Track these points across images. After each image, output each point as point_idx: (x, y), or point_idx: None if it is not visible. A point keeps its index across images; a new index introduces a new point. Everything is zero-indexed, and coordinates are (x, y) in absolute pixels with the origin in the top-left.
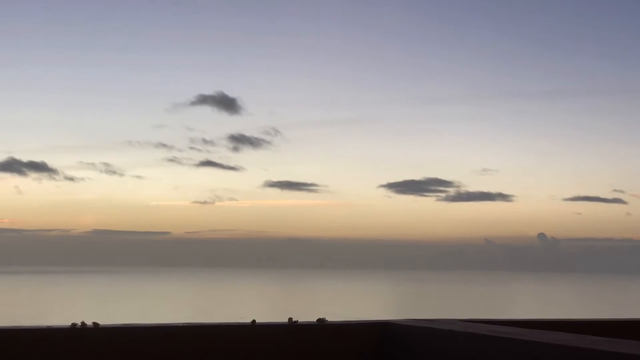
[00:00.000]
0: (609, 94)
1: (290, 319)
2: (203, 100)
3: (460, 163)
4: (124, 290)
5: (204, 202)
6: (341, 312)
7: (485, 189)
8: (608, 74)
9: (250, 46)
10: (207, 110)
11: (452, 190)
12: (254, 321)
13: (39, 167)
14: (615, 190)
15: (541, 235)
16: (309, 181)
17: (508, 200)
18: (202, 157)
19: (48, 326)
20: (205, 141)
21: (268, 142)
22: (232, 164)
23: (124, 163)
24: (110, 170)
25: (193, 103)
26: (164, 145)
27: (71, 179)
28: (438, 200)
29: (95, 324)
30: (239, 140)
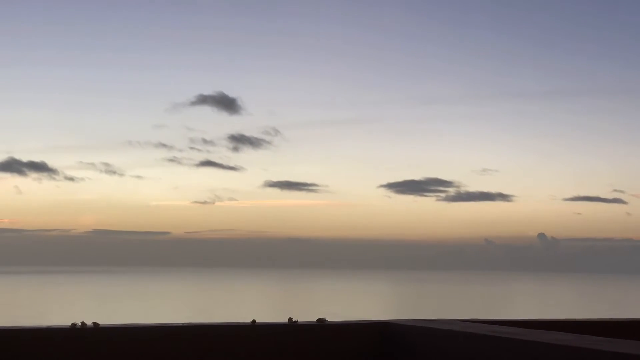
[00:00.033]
0: (608, 94)
1: (290, 319)
2: (203, 100)
3: (460, 163)
4: (124, 290)
5: (204, 202)
6: (341, 312)
7: (485, 189)
8: (608, 74)
9: (250, 46)
10: (207, 110)
11: (452, 190)
12: (254, 321)
13: (39, 167)
14: (615, 190)
15: (541, 235)
16: (309, 181)
17: (508, 200)
18: (202, 157)
19: (48, 326)
20: (205, 141)
21: (268, 142)
22: (232, 164)
23: (124, 163)
24: (110, 170)
25: (193, 103)
26: (163, 145)
27: (71, 179)
28: (438, 200)
29: (95, 324)
30: (239, 140)
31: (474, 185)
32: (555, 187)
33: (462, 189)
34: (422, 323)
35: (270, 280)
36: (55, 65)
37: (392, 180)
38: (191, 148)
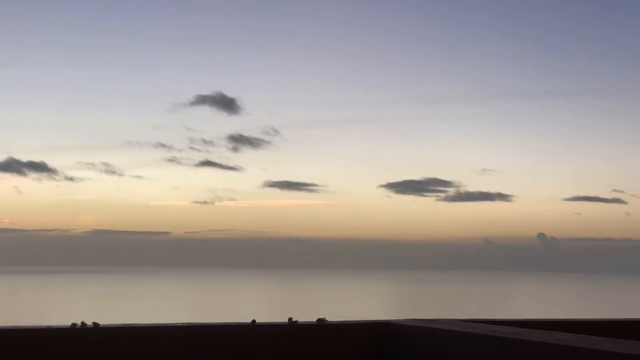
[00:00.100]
0: (608, 94)
1: (290, 319)
2: (202, 100)
3: (460, 163)
4: (124, 290)
5: (204, 202)
6: (341, 312)
7: (484, 189)
8: (608, 74)
9: (250, 46)
10: (207, 111)
11: (451, 190)
12: (254, 321)
13: (39, 167)
14: (614, 190)
15: (541, 235)
16: (308, 181)
17: (508, 200)
18: (202, 157)
19: (48, 326)
20: (204, 141)
21: (267, 142)
22: (231, 164)
23: (123, 163)
24: (110, 170)
25: (192, 103)
26: (163, 146)
27: (71, 179)
28: (438, 200)
29: (95, 324)
30: (239, 141)
31: (473, 185)
32: (555, 187)
33: (462, 189)
34: (422, 323)
35: (270, 280)
36: (55, 65)
37: (391, 180)
38: (191, 148)
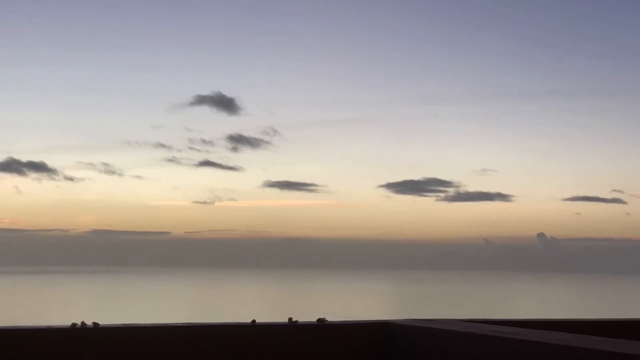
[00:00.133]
0: (608, 94)
1: (290, 319)
2: (202, 100)
3: (460, 163)
4: (124, 290)
5: (204, 202)
6: (341, 312)
7: (484, 189)
8: (607, 74)
9: (249, 46)
10: (206, 111)
11: (451, 190)
12: (254, 321)
13: (39, 167)
14: (614, 190)
15: (541, 235)
16: (308, 181)
17: (507, 200)
18: (202, 157)
19: (48, 326)
20: (204, 141)
21: (267, 142)
22: (231, 164)
23: (123, 163)
24: (109, 170)
25: (192, 103)
26: (163, 146)
27: (71, 179)
28: (437, 200)
29: (95, 324)
30: (238, 141)
31: (473, 185)
32: (555, 187)
33: (462, 189)
34: (422, 323)
35: (270, 280)
36: (55, 65)
37: (391, 180)
38: (190, 148)
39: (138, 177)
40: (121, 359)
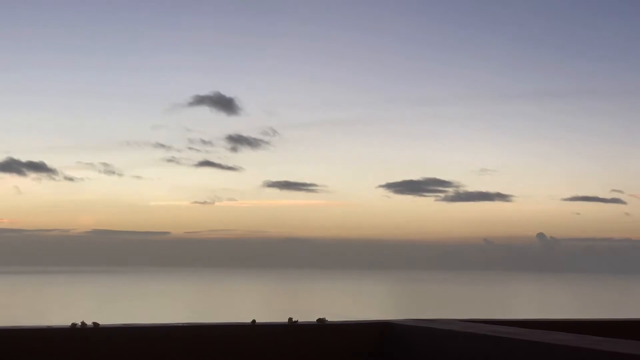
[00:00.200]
0: (608, 95)
1: (290, 319)
2: (201, 100)
3: (459, 163)
4: (124, 290)
5: (204, 202)
6: (341, 312)
7: (484, 189)
8: (607, 75)
9: (248, 46)
10: (205, 111)
11: (451, 191)
12: (254, 321)
13: (38, 167)
14: (613, 190)
15: (540, 235)
16: (308, 181)
17: (507, 201)
18: (201, 157)
19: (48, 326)
20: (203, 141)
21: (267, 143)
22: (230, 164)
23: (122, 163)
24: (109, 170)
25: (191, 104)
26: (162, 146)
27: (70, 179)
28: (437, 200)
29: (95, 324)
30: (237, 141)
31: (473, 185)
32: (554, 187)
33: (461, 189)
34: (422, 323)
35: (270, 280)
36: (54, 66)
37: (391, 181)
38: (190, 148)
39: (138, 177)
40: (121, 359)
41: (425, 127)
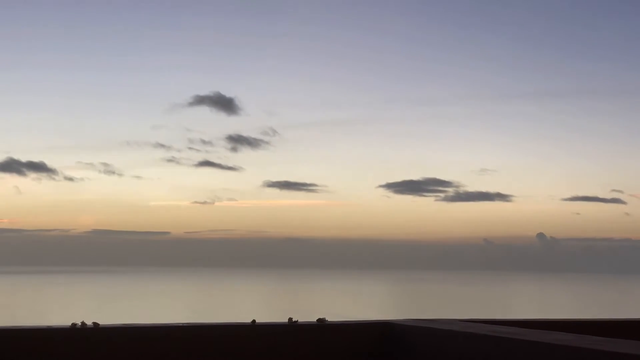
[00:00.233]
0: (607, 95)
1: (290, 319)
2: (201, 100)
3: (459, 163)
4: (124, 290)
5: (204, 202)
6: (341, 312)
7: (484, 189)
8: (607, 75)
9: (248, 46)
10: (205, 111)
11: (451, 191)
12: (254, 321)
13: (38, 167)
14: (613, 190)
15: (540, 235)
16: (308, 181)
17: (507, 200)
18: (201, 157)
19: (48, 326)
20: (203, 142)
21: (266, 143)
22: (230, 164)
23: (122, 163)
24: (109, 170)
25: (191, 104)
26: (162, 146)
27: (70, 179)
28: (437, 200)
29: (95, 324)
30: (237, 141)
31: (472, 185)
32: (554, 187)
33: (461, 189)
34: (422, 323)
35: (270, 280)
36: (54, 67)
37: (390, 181)
38: (190, 148)
39: (138, 177)
40: (121, 359)
41: (425, 127)
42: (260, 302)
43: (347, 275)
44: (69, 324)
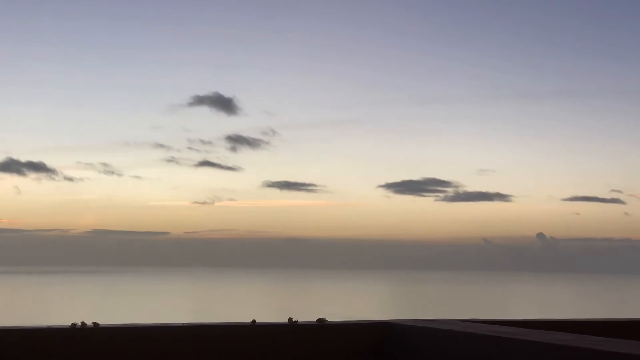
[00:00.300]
0: (607, 95)
1: (290, 319)
2: (200, 100)
3: (459, 163)
4: (124, 290)
5: (203, 202)
6: (341, 312)
7: (483, 189)
8: (607, 74)
9: (248, 46)
10: (205, 111)
11: (450, 191)
12: (254, 321)
13: (38, 167)
14: (613, 190)
15: (540, 235)
16: (307, 181)
17: (506, 200)
18: (201, 157)
19: (48, 326)
20: (203, 142)
21: (266, 143)
22: (230, 164)
23: (122, 163)
24: (108, 170)
25: (190, 104)
26: (162, 146)
27: (70, 179)
28: (437, 200)
29: (95, 324)
30: (237, 141)
31: (472, 185)
32: (554, 187)
33: (461, 189)
34: (422, 323)
35: (270, 280)
36: (54, 67)
37: (390, 181)
38: (189, 148)
39: (137, 177)
40: (121, 359)
41: (425, 127)
42: (260, 302)
43: (347, 275)
44: (69, 324)
